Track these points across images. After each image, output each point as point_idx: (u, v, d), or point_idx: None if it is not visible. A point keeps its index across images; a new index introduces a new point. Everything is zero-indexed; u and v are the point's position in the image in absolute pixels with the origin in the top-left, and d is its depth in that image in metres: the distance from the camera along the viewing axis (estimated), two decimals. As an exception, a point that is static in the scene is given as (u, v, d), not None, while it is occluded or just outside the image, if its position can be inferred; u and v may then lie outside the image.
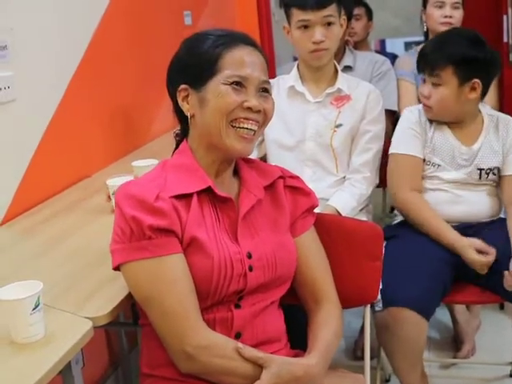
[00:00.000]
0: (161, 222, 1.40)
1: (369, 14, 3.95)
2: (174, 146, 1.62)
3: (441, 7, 3.08)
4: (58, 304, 1.51)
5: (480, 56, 2.22)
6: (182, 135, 1.60)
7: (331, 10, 2.32)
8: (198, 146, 1.54)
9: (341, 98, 2.44)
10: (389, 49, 6.28)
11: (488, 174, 2.27)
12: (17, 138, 2.19)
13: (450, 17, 3.06)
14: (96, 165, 2.67)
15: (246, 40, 1.53)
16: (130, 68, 3.04)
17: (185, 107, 1.52)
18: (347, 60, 3.09)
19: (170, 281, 1.40)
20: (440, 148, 2.29)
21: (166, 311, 1.40)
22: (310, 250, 1.66)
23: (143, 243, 1.40)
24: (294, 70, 2.51)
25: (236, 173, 1.60)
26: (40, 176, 2.29)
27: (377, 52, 3.93)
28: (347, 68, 3.05)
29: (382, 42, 6.48)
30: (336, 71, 2.48)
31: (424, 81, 2.31)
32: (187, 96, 1.52)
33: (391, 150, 2.38)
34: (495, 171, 2.29)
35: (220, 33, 1.53)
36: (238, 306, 1.51)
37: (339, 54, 3.04)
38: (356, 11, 3.76)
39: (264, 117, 1.52)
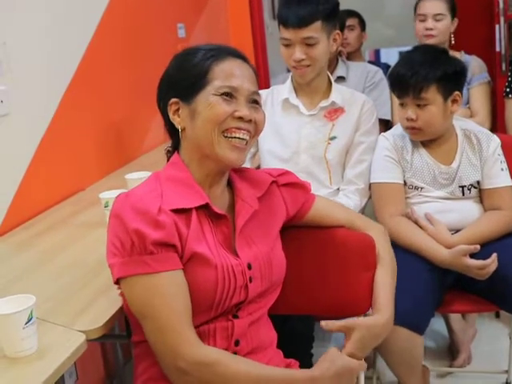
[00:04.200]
0: (163, 237, 1.38)
1: (362, 24, 3.97)
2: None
3: (423, 20, 3.12)
4: (51, 318, 1.51)
5: (458, 69, 2.25)
6: (173, 150, 1.59)
7: (313, 29, 2.30)
8: (190, 159, 1.53)
9: (334, 111, 2.44)
10: (383, 59, 6.29)
11: (470, 189, 2.29)
12: (10, 152, 2.20)
13: (432, 29, 3.09)
14: (90, 178, 2.68)
15: (235, 53, 1.54)
16: (123, 82, 3.05)
17: (176, 120, 1.52)
18: (340, 71, 3.10)
19: (167, 296, 1.39)
20: (420, 170, 2.29)
21: (162, 325, 1.38)
22: (328, 206, 1.79)
23: (144, 258, 1.38)
24: (288, 82, 2.51)
25: (228, 184, 1.60)
26: (34, 190, 2.30)
27: (371, 62, 3.94)
28: (340, 79, 3.06)
29: (377, 52, 6.50)
30: (330, 83, 2.49)
31: (402, 105, 2.28)
32: (178, 109, 1.52)
33: (371, 180, 2.38)
34: (476, 185, 2.29)
35: (209, 47, 1.54)
36: (235, 317, 1.52)
37: (332, 65, 3.06)
38: (349, 22, 3.79)
39: (255, 127, 1.52)
